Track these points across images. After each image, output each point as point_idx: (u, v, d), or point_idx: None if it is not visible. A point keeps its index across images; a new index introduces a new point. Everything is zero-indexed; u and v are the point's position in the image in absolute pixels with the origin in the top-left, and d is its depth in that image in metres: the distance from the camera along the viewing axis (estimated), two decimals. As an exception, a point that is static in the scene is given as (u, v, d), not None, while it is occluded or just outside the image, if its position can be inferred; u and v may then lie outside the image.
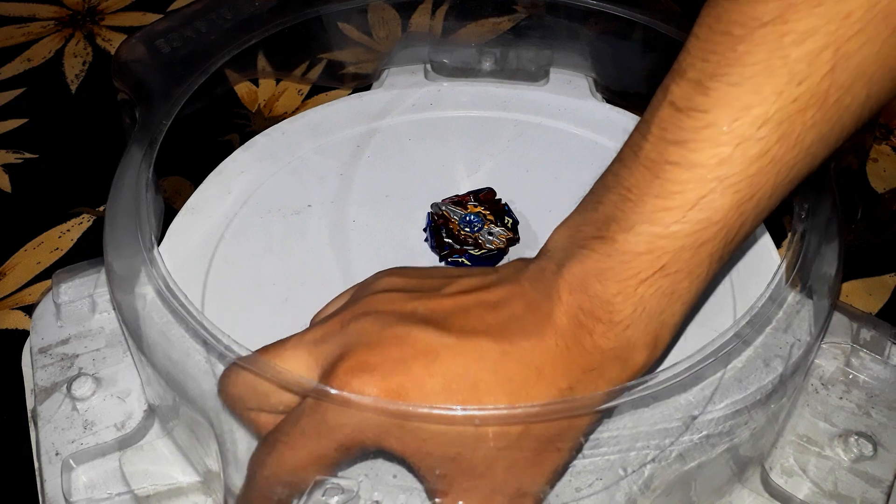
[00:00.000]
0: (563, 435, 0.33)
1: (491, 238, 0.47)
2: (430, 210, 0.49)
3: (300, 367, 0.33)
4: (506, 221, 0.48)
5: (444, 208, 0.48)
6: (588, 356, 0.32)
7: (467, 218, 0.48)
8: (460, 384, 0.31)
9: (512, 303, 0.33)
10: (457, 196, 0.49)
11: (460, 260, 0.46)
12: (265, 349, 0.34)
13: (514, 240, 0.47)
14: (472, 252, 0.46)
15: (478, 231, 0.47)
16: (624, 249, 0.31)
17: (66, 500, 0.39)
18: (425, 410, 0.30)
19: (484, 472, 0.31)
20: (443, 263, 0.47)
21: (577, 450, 0.34)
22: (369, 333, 0.32)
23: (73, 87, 0.66)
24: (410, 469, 0.33)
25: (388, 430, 0.31)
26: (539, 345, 0.32)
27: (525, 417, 0.31)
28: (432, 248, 0.47)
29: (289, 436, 0.32)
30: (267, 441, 0.33)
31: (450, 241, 0.47)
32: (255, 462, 0.33)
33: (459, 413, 0.30)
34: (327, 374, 0.31)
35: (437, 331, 0.31)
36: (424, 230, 0.48)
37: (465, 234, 0.47)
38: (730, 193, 0.31)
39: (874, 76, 0.30)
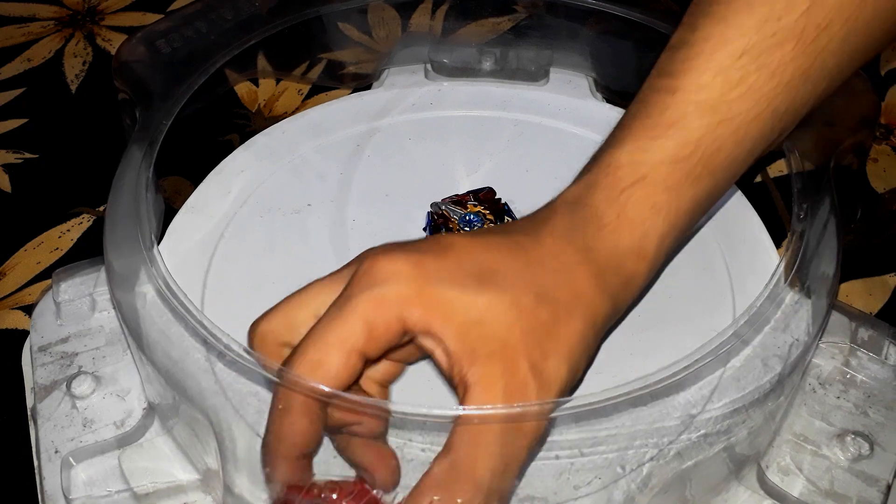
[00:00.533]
0: (575, 309, 0.33)
1: None
2: (429, 210, 0.49)
3: (327, 294, 0.33)
4: (505, 221, 0.48)
5: (443, 208, 0.48)
6: (581, 254, 0.34)
7: (467, 217, 0.48)
8: (472, 265, 0.32)
9: (516, 223, 0.37)
10: (456, 196, 0.49)
11: None
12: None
13: None
14: None
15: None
16: (608, 163, 0.35)
17: (65, 497, 0.39)
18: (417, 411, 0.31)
19: (504, 336, 0.31)
20: None
21: (593, 339, 0.34)
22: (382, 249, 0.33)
23: (73, 87, 0.66)
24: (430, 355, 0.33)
25: (411, 299, 0.31)
26: (539, 241, 0.34)
27: (536, 415, 0.32)
28: None
29: (314, 328, 0.32)
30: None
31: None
32: (291, 360, 0.32)
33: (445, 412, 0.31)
34: (354, 268, 0.33)
35: (449, 236, 0.36)
36: (424, 230, 0.48)
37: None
38: (707, 116, 0.34)
39: (852, 17, 0.34)
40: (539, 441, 0.32)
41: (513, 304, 0.32)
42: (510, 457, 0.31)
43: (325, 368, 0.31)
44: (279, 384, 0.32)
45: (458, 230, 0.47)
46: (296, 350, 0.32)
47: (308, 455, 0.33)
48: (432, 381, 0.41)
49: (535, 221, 0.35)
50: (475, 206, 0.48)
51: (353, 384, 0.33)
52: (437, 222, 0.48)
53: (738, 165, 0.36)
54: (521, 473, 0.33)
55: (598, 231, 0.34)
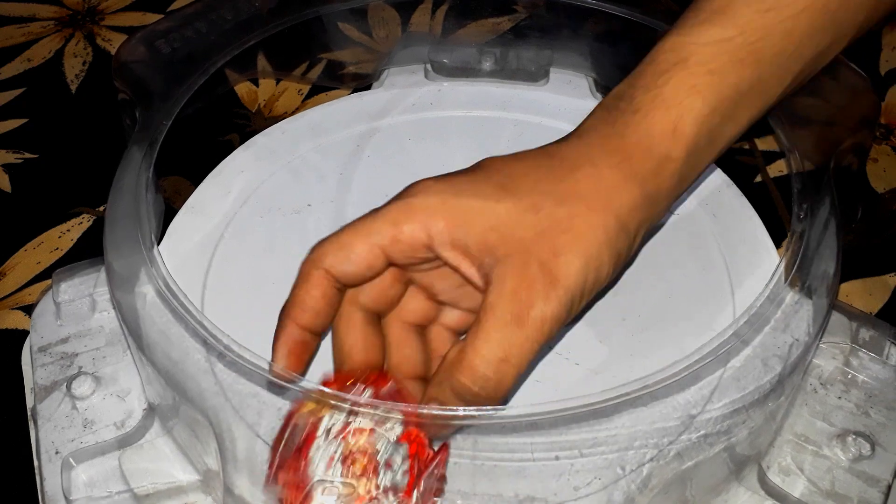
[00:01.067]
0: (593, 201, 0.33)
1: None
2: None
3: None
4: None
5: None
6: (608, 144, 0.34)
7: None
8: (499, 176, 0.34)
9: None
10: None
11: None
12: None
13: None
14: None
15: None
16: (652, 54, 0.35)
17: (65, 498, 0.39)
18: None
19: (519, 237, 0.32)
20: None
21: (616, 229, 0.33)
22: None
23: (73, 87, 0.66)
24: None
25: (436, 210, 0.33)
26: (568, 142, 0.35)
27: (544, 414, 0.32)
28: None
29: (350, 224, 0.35)
30: None
31: None
32: (322, 241, 0.35)
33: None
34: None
35: (488, 158, 0.36)
36: None
37: None
38: (755, 3, 0.35)
39: None
40: (543, 343, 0.32)
41: (530, 207, 0.33)
42: (510, 351, 0.32)
43: (350, 251, 0.34)
44: (303, 265, 0.35)
45: None
46: (329, 237, 0.35)
47: (312, 332, 0.35)
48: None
49: (576, 127, 0.36)
50: None
51: (371, 278, 0.35)
52: None
53: (786, 62, 0.36)
54: (523, 371, 0.33)
55: (630, 117, 0.34)
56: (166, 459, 0.41)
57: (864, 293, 0.52)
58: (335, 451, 0.32)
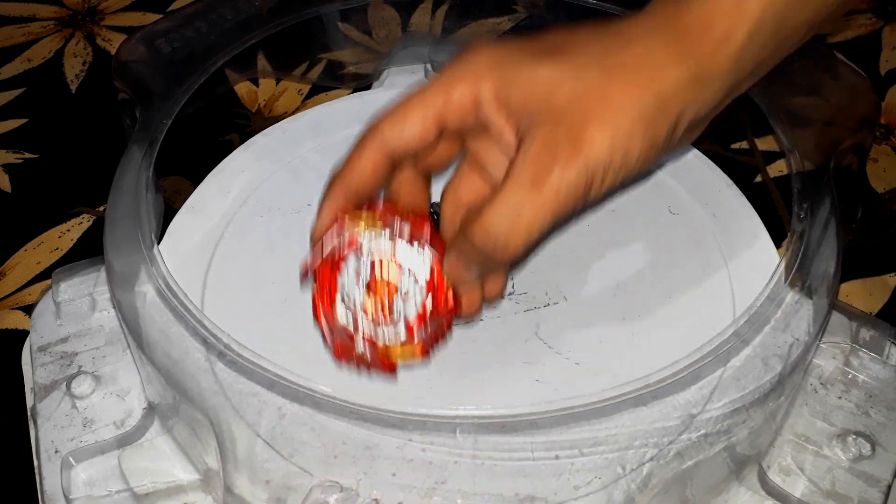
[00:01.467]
0: (635, 74, 0.32)
1: None
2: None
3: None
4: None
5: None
6: (665, 20, 0.33)
7: None
8: (551, 42, 0.33)
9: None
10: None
11: None
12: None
13: None
14: None
15: None
16: None
17: (65, 497, 0.39)
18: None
19: (555, 102, 0.32)
20: None
21: (655, 107, 0.32)
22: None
23: (73, 87, 0.66)
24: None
25: (483, 74, 0.33)
26: (627, 17, 0.34)
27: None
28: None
29: (406, 96, 0.35)
30: None
31: None
32: (380, 114, 0.35)
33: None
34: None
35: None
36: None
37: None
38: None
39: None
40: (558, 213, 0.32)
41: (573, 74, 0.32)
42: (523, 214, 0.31)
43: (405, 122, 0.34)
44: (361, 135, 0.35)
45: None
46: (387, 109, 0.35)
47: (357, 199, 0.36)
48: (432, 381, 0.41)
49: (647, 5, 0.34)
50: None
51: (425, 147, 0.35)
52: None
53: None
54: (534, 238, 0.33)
55: (689, 2, 0.32)
56: (166, 458, 0.41)
57: (864, 293, 0.52)
58: (364, 271, 0.34)
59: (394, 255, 0.35)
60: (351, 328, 0.35)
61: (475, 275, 0.35)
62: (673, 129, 0.33)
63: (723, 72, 0.33)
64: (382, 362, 0.36)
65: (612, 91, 0.32)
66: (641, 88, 0.32)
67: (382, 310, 0.35)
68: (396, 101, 0.35)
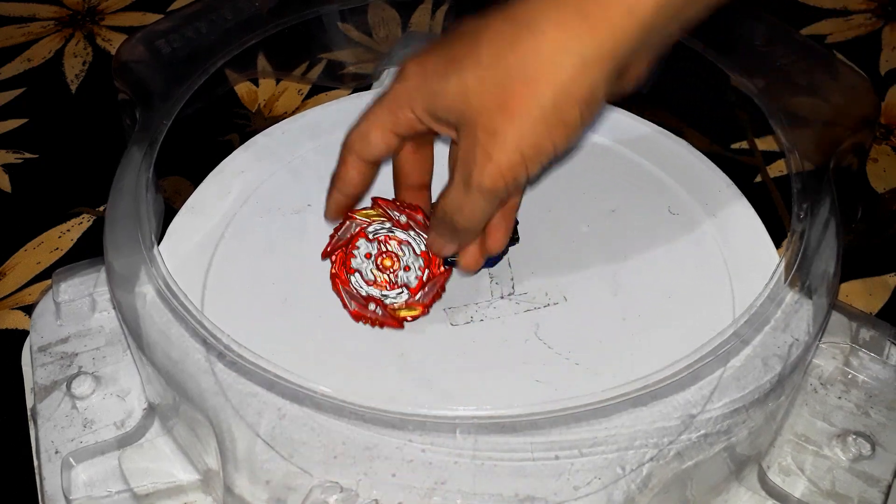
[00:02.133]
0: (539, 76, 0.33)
1: None
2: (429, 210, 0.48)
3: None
4: None
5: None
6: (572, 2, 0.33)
7: None
8: (458, 52, 0.35)
9: None
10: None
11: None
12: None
13: (513, 240, 0.47)
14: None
15: None
16: None
17: (65, 498, 0.39)
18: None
19: (470, 109, 0.35)
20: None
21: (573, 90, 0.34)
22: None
23: (73, 87, 0.66)
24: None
25: (414, 97, 0.37)
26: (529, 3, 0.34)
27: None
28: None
29: (365, 113, 0.40)
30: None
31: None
32: (350, 129, 0.40)
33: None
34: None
35: (461, 25, 0.36)
36: None
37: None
38: None
39: None
40: (492, 203, 0.36)
41: (476, 81, 0.34)
42: (461, 210, 0.37)
43: (368, 139, 0.39)
44: (341, 150, 0.41)
45: None
46: (353, 126, 0.40)
47: (353, 197, 0.42)
48: (433, 380, 0.41)
49: None
50: None
51: (393, 152, 0.41)
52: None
53: None
54: (476, 222, 0.38)
55: None
56: (166, 459, 0.41)
57: (864, 293, 0.52)
58: (372, 250, 0.44)
59: (395, 237, 0.44)
60: (363, 294, 0.44)
61: (452, 247, 0.41)
62: (588, 103, 0.34)
63: (631, 42, 0.33)
64: (391, 319, 0.43)
65: (511, 96, 0.34)
66: (539, 84, 0.33)
67: (388, 280, 0.44)
68: (360, 114, 0.40)
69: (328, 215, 0.44)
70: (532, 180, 0.37)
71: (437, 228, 0.40)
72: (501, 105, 0.34)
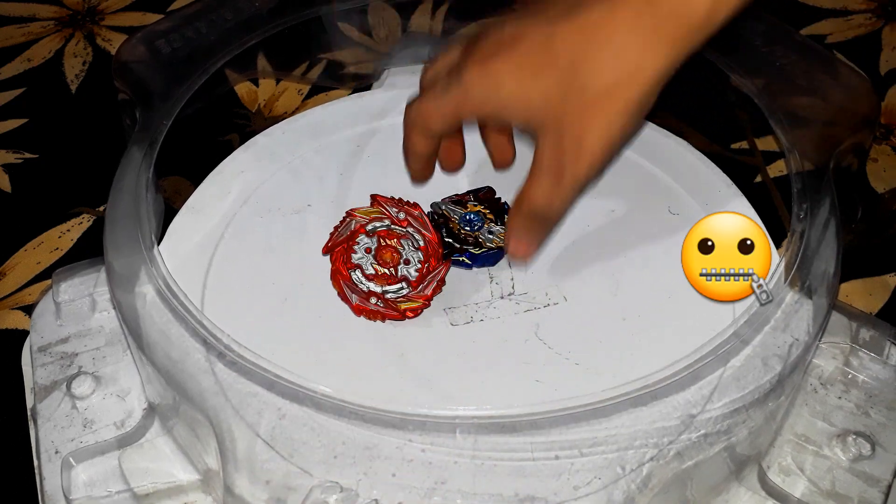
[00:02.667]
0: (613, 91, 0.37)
1: (491, 237, 0.47)
2: (430, 209, 0.49)
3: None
4: (506, 220, 0.48)
5: (443, 207, 0.48)
6: (644, 13, 0.36)
7: (467, 217, 0.48)
8: (532, 58, 0.38)
9: None
10: (456, 195, 0.49)
11: (461, 259, 0.46)
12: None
13: None
14: (472, 251, 0.47)
15: (478, 230, 0.47)
16: None
17: (65, 497, 0.39)
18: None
19: (554, 114, 0.38)
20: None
21: (638, 106, 0.37)
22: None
23: (73, 87, 0.66)
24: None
25: (483, 101, 0.39)
26: (605, 6, 0.37)
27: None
28: None
29: (427, 97, 0.42)
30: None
31: (450, 240, 0.47)
32: (412, 106, 0.43)
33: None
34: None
35: (520, 25, 0.39)
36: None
37: (465, 233, 0.47)
38: None
39: None
40: (580, 192, 0.40)
41: (558, 91, 0.37)
42: (554, 197, 0.40)
43: (428, 124, 0.42)
44: (404, 125, 0.44)
45: (459, 229, 0.47)
46: (415, 103, 0.43)
47: (426, 162, 0.45)
48: (433, 381, 0.41)
49: None
50: (475, 205, 0.48)
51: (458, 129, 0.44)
52: (438, 222, 0.48)
53: None
54: (566, 210, 0.41)
55: None
56: (166, 459, 0.41)
57: (864, 293, 0.52)
58: (372, 245, 0.45)
59: (394, 233, 0.46)
60: (364, 289, 0.44)
61: (537, 243, 0.42)
62: (656, 94, 0.38)
63: (710, 36, 0.36)
64: (393, 311, 0.44)
65: (598, 104, 0.37)
66: (623, 93, 0.37)
67: (389, 274, 0.45)
68: (425, 101, 0.42)
69: (416, 178, 0.46)
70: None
71: (527, 222, 0.41)
72: (588, 106, 0.37)
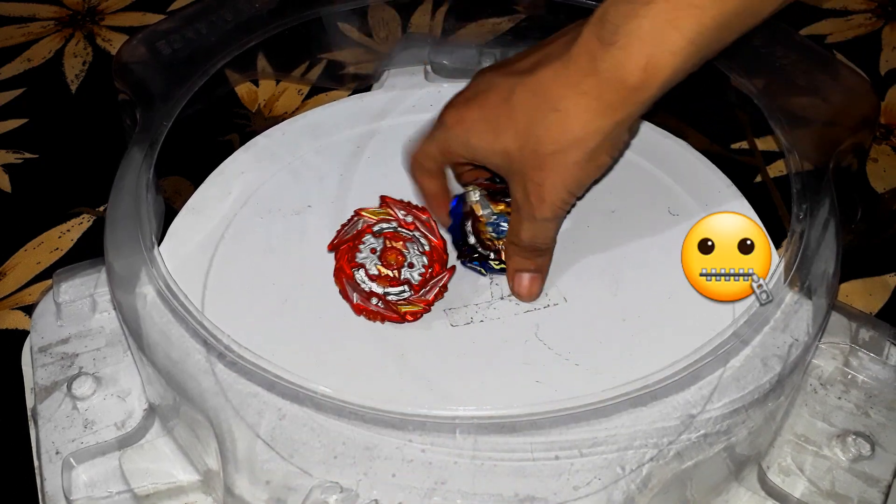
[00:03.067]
0: (564, 145, 0.39)
1: None
2: (460, 194, 0.47)
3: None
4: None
5: (476, 198, 0.47)
6: (588, 78, 0.38)
7: (496, 220, 0.46)
8: (493, 114, 0.41)
9: (547, 47, 0.41)
10: (490, 183, 0.48)
11: (477, 266, 0.46)
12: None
13: None
14: (492, 264, 0.45)
15: (503, 238, 0.46)
16: None
17: (66, 498, 0.39)
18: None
19: (518, 167, 0.41)
20: (458, 262, 0.46)
21: (586, 158, 0.40)
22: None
23: (73, 87, 0.66)
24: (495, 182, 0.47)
25: (457, 146, 0.43)
26: (559, 71, 0.39)
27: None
28: (454, 239, 0.47)
29: (419, 141, 0.45)
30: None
31: (472, 240, 0.46)
32: (408, 155, 0.46)
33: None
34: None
35: (490, 81, 0.43)
36: (451, 214, 0.47)
37: (489, 238, 0.46)
38: None
39: None
40: (558, 224, 0.43)
41: (518, 147, 0.40)
42: (537, 234, 0.43)
43: (424, 167, 0.45)
44: (410, 169, 0.47)
45: (484, 231, 0.46)
46: (411, 152, 0.46)
47: (444, 198, 0.47)
48: (433, 381, 0.41)
49: (562, 45, 0.40)
50: (509, 207, 0.45)
51: (451, 167, 0.47)
52: (465, 211, 0.47)
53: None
54: (552, 238, 0.44)
55: (607, 51, 0.37)
56: (166, 459, 0.41)
57: (865, 293, 0.52)
58: (378, 246, 0.46)
59: (401, 235, 0.46)
60: (367, 289, 0.44)
61: (536, 270, 0.44)
62: (615, 147, 0.40)
63: (641, 110, 0.39)
64: (393, 313, 0.44)
65: (548, 158, 0.40)
66: (571, 150, 0.39)
67: (392, 276, 0.45)
68: (417, 144, 0.45)
69: (444, 224, 0.47)
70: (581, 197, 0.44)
71: (521, 254, 0.44)
72: (540, 164, 0.40)
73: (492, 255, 0.46)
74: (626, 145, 0.42)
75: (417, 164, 0.46)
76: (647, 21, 0.36)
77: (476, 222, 0.46)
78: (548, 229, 0.43)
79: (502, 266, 0.45)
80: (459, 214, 0.47)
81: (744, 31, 0.38)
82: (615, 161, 0.42)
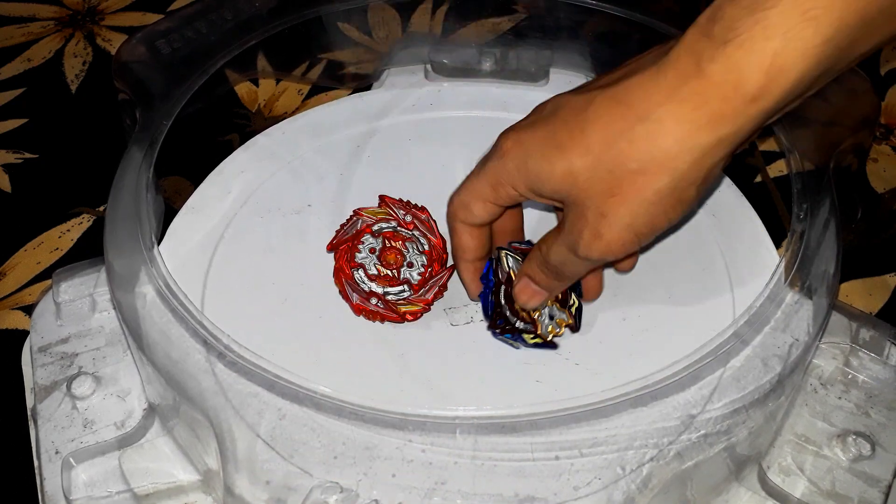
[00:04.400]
0: (648, 170, 0.33)
1: (549, 323, 0.42)
2: (493, 258, 0.43)
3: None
4: (570, 303, 0.42)
5: (509, 262, 0.42)
6: (690, 83, 0.31)
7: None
8: (562, 133, 0.35)
9: (636, 61, 0.35)
10: (524, 245, 0.43)
11: (508, 339, 0.42)
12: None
13: (572, 327, 0.42)
14: (526, 338, 0.42)
15: (538, 308, 0.42)
16: None
17: (66, 498, 0.39)
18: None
19: (579, 192, 0.35)
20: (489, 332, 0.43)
21: (671, 192, 0.34)
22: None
23: (73, 87, 0.66)
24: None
25: (514, 175, 0.37)
26: (647, 80, 0.33)
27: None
28: (483, 308, 0.43)
29: (466, 181, 0.41)
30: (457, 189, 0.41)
31: (506, 310, 0.42)
32: (452, 198, 0.41)
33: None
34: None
35: (560, 102, 0.37)
36: (482, 280, 0.43)
37: (522, 307, 0.42)
38: None
39: None
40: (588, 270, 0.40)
41: (586, 168, 0.34)
42: (565, 267, 0.39)
43: (471, 210, 0.40)
44: (448, 220, 0.42)
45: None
46: (454, 195, 0.41)
47: (479, 259, 0.43)
48: (433, 381, 0.41)
49: (666, 49, 0.33)
50: None
51: (497, 218, 0.41)
52: (497, 275, 0.42)
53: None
54: (573, 281, 0.41)
55: (718, 50, 0.30)
56: (166, 459, 0.41)
57: (864, 293, 0.52)
58: (377, 246, 0.45)
59: (400, 235, 0.46)
60: (366, 289, 0.44)
61: (544, 293, 0.41)
62: (706, 182, 0.34)
63: (751, 129, 0.32)
64: (392, 313, 0.44)
65: (624, 182, 0.34)
66: (656, 174, 0.33)
67: (391, 276, 0.45)
68: (463, 185, 0.41)
69: (472, 293, 0.44)
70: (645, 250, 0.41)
71: (541, 267, 0.40)
72: (613, 189, 0.34)
73: (524, 326, 0.42)
74: (712, 189, 0.36)
75: (460, 207, 0.40)
76: (775, 12, 0.29)
77: (510, 287, 0.42)
78: (581, 268, 0.38)
79: (537, 341, 0.42)
80: (492, 281, 0.42)
81: (885, 39, 0.31)
82: (693, 210, 0.36)
